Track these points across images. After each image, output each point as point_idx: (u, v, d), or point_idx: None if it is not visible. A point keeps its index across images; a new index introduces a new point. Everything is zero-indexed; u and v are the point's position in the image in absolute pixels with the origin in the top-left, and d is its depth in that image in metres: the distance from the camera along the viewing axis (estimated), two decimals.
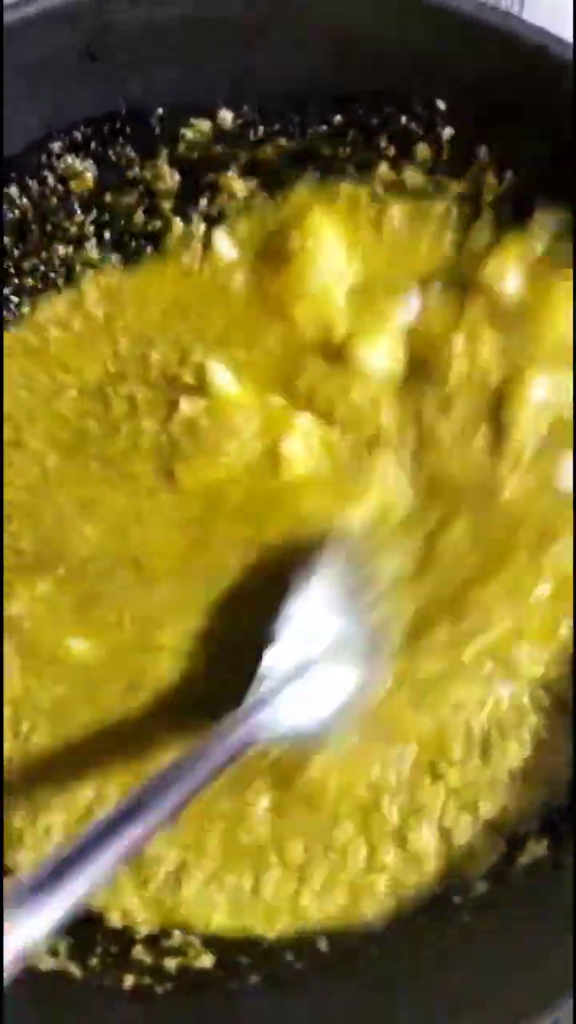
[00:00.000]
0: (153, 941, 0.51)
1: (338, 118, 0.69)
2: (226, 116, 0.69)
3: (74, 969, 0.49)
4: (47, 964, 0.49)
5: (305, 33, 0.65)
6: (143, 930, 0.53)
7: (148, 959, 0.51)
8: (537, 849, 0.53)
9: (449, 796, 0.55)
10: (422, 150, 0.68)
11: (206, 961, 0.51)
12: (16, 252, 0.71)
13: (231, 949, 0.52)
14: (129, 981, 0.49)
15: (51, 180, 0.70)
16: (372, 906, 0.53)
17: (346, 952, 0.51)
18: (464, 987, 0.48)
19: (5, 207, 0.70)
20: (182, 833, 0.53)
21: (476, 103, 0.64)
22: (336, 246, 0.68)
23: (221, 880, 0.53)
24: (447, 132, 0.66)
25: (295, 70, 0.67)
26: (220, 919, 0.53)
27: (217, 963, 0.51)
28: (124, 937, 0.52)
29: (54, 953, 0.50)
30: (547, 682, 0.57)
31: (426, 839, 0.54)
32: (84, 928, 0.52)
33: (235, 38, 0.66)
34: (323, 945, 0.51)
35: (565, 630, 0.56)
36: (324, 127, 0.69)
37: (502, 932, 0.51)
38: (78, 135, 0.69)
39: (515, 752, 0.56)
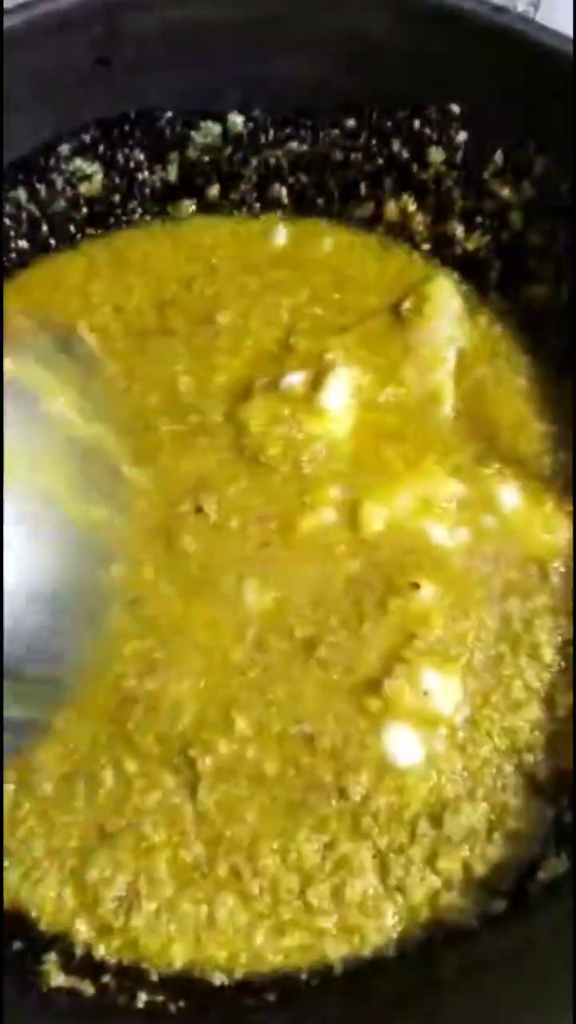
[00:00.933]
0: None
1: (351, 122, 0.68)
2: (236, 120, 0.69)
3: (86, 987, 0.48)
4: (58, 980, 0.48)
5: (318, 38, 0.65)
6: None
7: (162, 981, 0.49)
8: (557, 865, 0.52)
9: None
10: (435, 153, 0.67)
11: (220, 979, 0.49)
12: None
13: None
14: (142, 999, 0.48)
15: (59, 183, 0.69)
16: (381, 932, 0.51)
17: (361, 973, 0.50)
18: (481, 1009, 0.47)
19: (11, 209, 0.69)
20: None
21: (491, 107, 0.64)
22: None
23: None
24: (461, 136, 0.66)
25: (307, 75, 0.67)
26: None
27: (232, 982, 0.49)
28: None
29: (65, 970, 0.49)
30: None
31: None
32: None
33: (246, 43, 0.66)
34: (338, 967, 0.49)
35: None
36: (336, 131, 0.69)
37: (521, 951, 0.50)
38: (87, 138, 0.69)
39: None
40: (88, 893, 0.52)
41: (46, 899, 0.52)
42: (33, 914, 0.52)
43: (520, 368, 0.67)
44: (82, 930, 0.51)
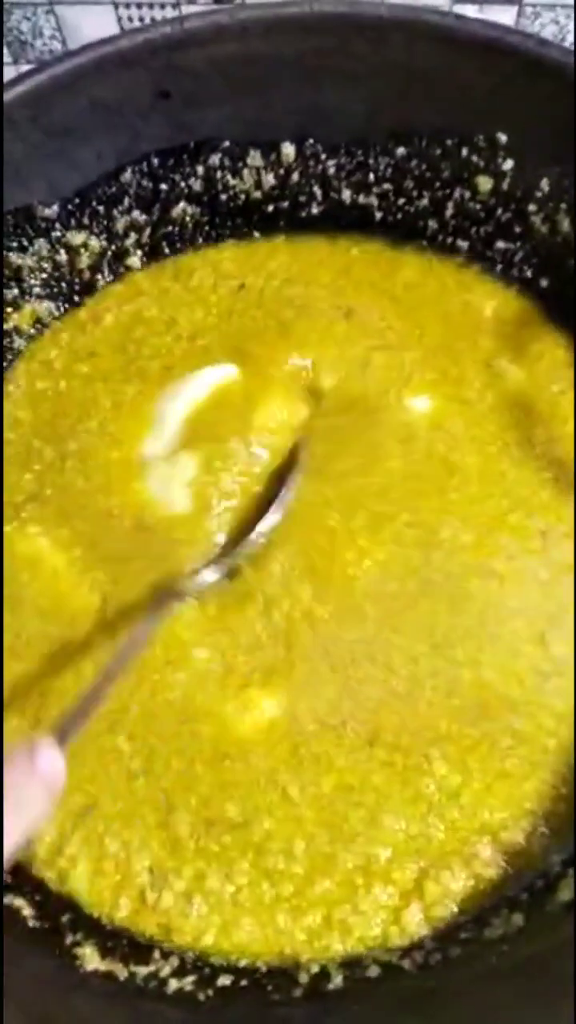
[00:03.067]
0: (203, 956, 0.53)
1: (401, 150, 0.70)
2: (289, 151, 0.72)
3: (120, 971, 0.51)
4: (94, 963, 0.51)
5: (366, 70, 0.68)
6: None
7: (193, 966, 0.52)
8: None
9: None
10: (483, 182, 0.69)
11: (252, 972, 0.52)
12: None
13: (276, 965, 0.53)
14: (172, 986, 0.51)
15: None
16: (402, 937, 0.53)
17: (389, 973, 0.52)
18: (503, 1011, 0.48)
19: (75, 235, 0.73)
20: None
21: (538, 136, 0.65)
22: None
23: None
24: (508, 164, 0.67)
25: (357, 105, 0.69)
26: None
27: (265, 973, 0.52)
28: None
29: (102, 955, 0.52)
30: None
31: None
32: (132, 937, 0.54)
33: (298, 75, 0.69)
34: (372, 966, 0.51)
35: None
36: (387, 159, 0.71)
37: (536, 961, 0.51)
38: (147, 167, 0.72)
39: None
40: (121, 868, 0.55)
41: (87, 877, 0.55)
42: (77, 892, 0.55)
43: None
44: (123, 905, 0.54)
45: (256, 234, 0.77)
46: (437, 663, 0.59)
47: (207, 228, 0.76)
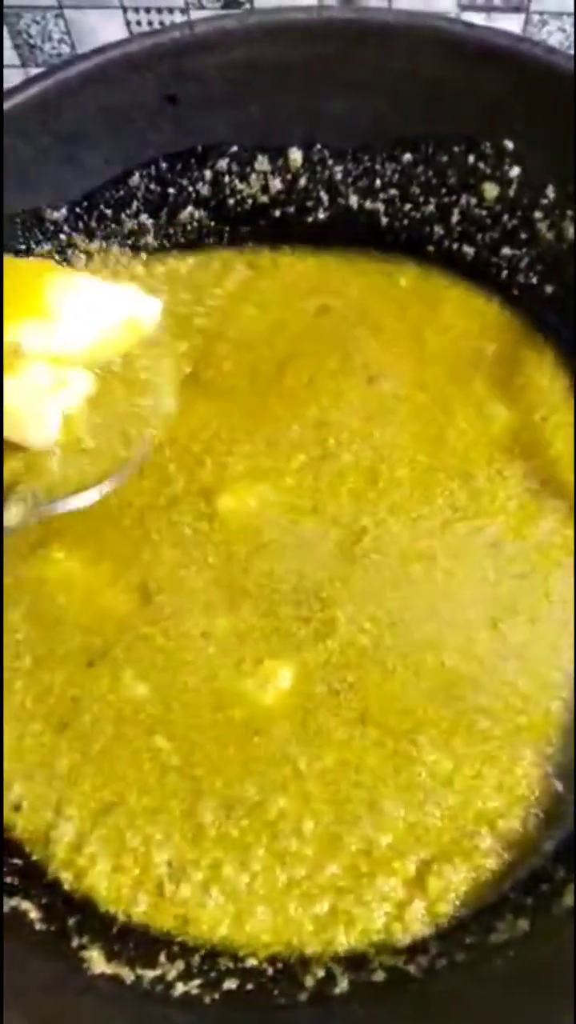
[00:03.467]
0: (211, 955, 0.54)
1: (407, 156, 0.70)
2: (297, 156, 0.72)
3: (127, 974, 0.51)
4: (101, 967, 0.52)
5: (372, 76, 0.68)
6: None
7: (199, 969, 0.53)
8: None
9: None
10: (490, 189, 0.69)
11: (258, 975, 0.53)
12: None
13: (285, 964, 0.53)
14: (179, 989, 0.51)
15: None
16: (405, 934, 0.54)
17: (394, 977, 0.52)
18: (508, 1017, 0.49)
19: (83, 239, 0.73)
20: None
21: (545, 143, 0.65)
22: None
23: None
24: (515, 171, 0.68)
25: (364, 111, 0.70)
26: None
27: (271, 976, 0.52)
28: (181, 948, 0.54)
29: (109, 958, 0.52)
30: None
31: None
32: (140, 938, 0.54)
33: (305, 81, 0.69)
34: (377, 970, 0.52)
35: None
36: (394, 165, 0.71)
37: (542, 967, 0.51)
38: (154, 171, 0.72)
39: None
40: (141, 862, 0.56)
41: (106, 874, 0.56)
42: (94, 890, 0.56)
43: None
44: (141, 900, 0.55)
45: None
46: (400, 643, 0.61)
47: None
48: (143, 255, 0.76)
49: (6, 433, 0.55)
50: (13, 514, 0.56)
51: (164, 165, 0.72)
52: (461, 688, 0.59)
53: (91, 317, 0.59)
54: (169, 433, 0.66)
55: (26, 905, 0.54)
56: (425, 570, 0.63)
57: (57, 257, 0.72)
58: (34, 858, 0.57)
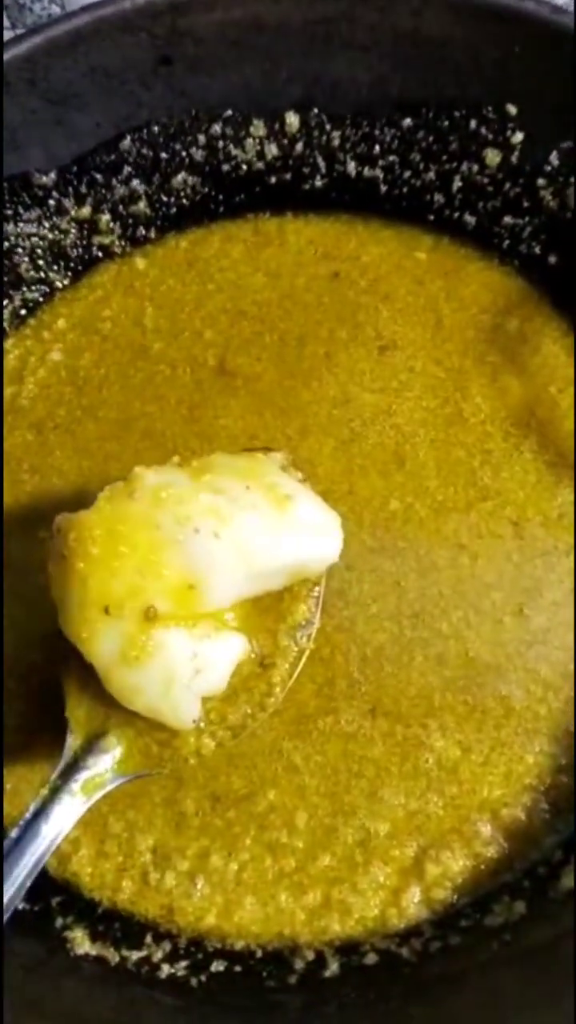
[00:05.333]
0: (196, 940, 0.52)
1: (408, 121, 0.68)
2: (293, 120, 0.70)
3: (111, 955, 0.50)
4: (84, 947, 0.50)
5: (375, 38, 0.66)
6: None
7: (186, 951, 0.51)
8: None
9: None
10: (492, 155, 0.67)
11: (246, 958, 0.51)
12: None
13: (273, 949, 0.52)
14: (165, 971, 0.49)
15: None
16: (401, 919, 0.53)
17: (387, 961, 0.51)
18: (495, 1006, 0.47)
19: (73, 205, 0.71)
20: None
21: (549, 107, 0.63)
22: None
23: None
24: (518, 137, 0.66)
25: (364, 74, 0.68)
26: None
27: (259, 959, 0.51)
28: (165, 932, 0.53)
29: (93, 939, 0.51)
30: None
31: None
32: (124, 921, 0.53)
33: (305, 43, 0.67)
34: (370, 954, 0.51)
35: None
36: (393, 131, 0.69)
37: (538, 950, 0.50)
38: (147, 135, 0.70)
39: None
40: (124, 849, 0.55)
41: (89, 860, 0.55)
42: (77, 875, 0.55)
43: None
44: (125, 887, 0.54)
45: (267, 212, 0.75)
46: (423, 634, 0.59)
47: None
48: (143, 247, 0.74)
49: (135, 708, 0.46)
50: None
51: (157, 129, 0.70)
52: (484, 676, 0.58)
53: (249, 560, 0.46)
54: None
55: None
56: (451, 556, 0.61)
57: (46, 225, 0.70)
58: None
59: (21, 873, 0.44)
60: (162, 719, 0.46)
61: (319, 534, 0.49)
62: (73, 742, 0.48)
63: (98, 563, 0.44)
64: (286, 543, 0.47)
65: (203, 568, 0.45)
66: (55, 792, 0.46)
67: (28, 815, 0.45)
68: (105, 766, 0.47)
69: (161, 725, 0.47)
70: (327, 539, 0.49)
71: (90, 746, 0.48)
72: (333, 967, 0.51)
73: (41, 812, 0.45)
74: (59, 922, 0.52)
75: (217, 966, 0.51)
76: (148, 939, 0.52)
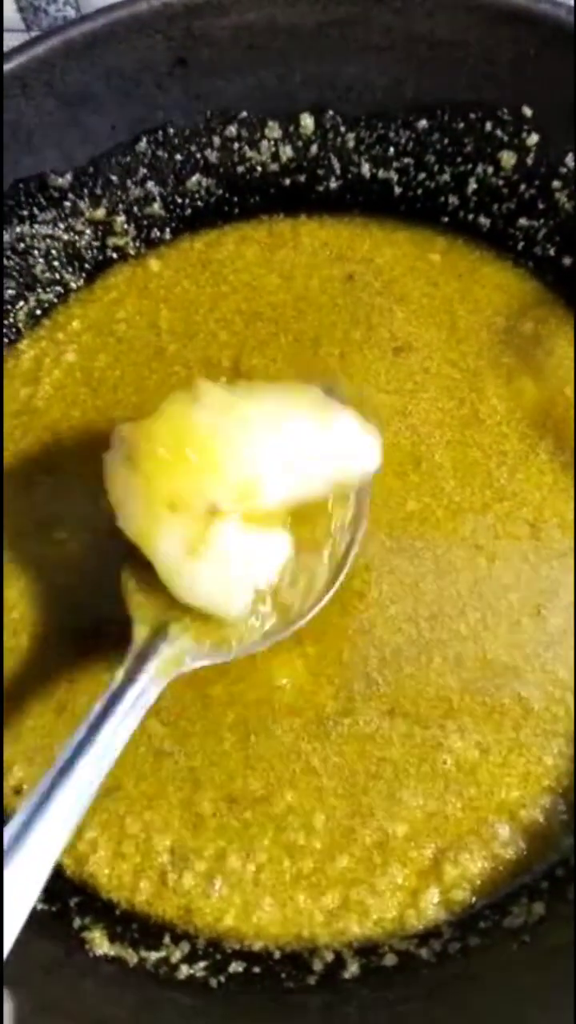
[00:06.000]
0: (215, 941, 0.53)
1: (423, 123, 0.68)
2: (308, 122, 0.70)
3: (130, 956, 0.50)
4: (103, 948, 0.50)
5: (389, 40, 0.66)
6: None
7: (204, 952, 0.51)
8: None
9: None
10: (507, 157, 0.67)
11: (265, 958, 0.51)
12: None
13: (291, 950, 0.52)
14: (184, 972, 0.49)
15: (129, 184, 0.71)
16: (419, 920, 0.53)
17: (406, 962, 0.51)
18: (515, 1006, 0.47)
19: (88, 206, 0.71)
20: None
21: (565, 109, 0.64)
22: None
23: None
24: (533, 139, 0.66)
25: (379, 77, 0.68)
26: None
27: (278, 959, 0.51)
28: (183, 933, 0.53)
29: (112, 940, 0.51)
30: None
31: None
32: (142, 922, 0.53)
33: (320, 45, 0.67)
34: (388, 955, 0.51)
35: None
36: (408, 132, 0.69)
37: (558, 952, 0.50)
38: (162, 136, 0.70)
39: None
40: (141, 849, 0.55)
41: (106, 861, 0.55)
42: (95, 876, 0.54)
43: None
44: (143, 888, 0.54)
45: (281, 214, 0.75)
46: (441, 635, 0.59)
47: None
48: (158, 248, 0.74)
49: (191, 600, 0.50)
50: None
51: (172, 131, 0.70)
52: (502, 677, 0.58)
53: (297, 465, 0.51)
54: None
55: None
56: (468, 557, 0.61)
57: (61, 226, 0.70)
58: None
59: (95, 761, 0.44)
60: (215, 609, 0.50)
61: (360, 444, 0.54)
62: (139, 634, 0.50)
63: (166, 464, 0.48)
64: (332, 447, 0.52)
65: (259, 468, 0.49)
66: (131, 675, 0.48)
67: (106, 695, 0.46)
68: (177, 650, 0.50)
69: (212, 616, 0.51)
70: (367, 449, 0.54)
71: (156, 636, 0.50)
72: (352, 968, 0.51)
73: (119, 692, 0.47)
74: (77, 923, 0.51)
75: (236, 967, 0.51)
76: (166, 940, 0.52)
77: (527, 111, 0.65)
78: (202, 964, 0.51)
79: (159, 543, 0.49)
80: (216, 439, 0.48)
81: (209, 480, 0.48)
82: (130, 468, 0.49)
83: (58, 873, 0.54)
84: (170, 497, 0.48)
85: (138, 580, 0.52)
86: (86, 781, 0.43)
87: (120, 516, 0.50)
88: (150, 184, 0.71)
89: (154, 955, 0.51)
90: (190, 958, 0.51)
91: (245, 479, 0.49)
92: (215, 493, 0.48)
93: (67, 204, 0.70)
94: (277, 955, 0.52)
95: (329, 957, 0.52)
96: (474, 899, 0.53)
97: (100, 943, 0.51)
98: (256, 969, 0.51)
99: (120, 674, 0.48)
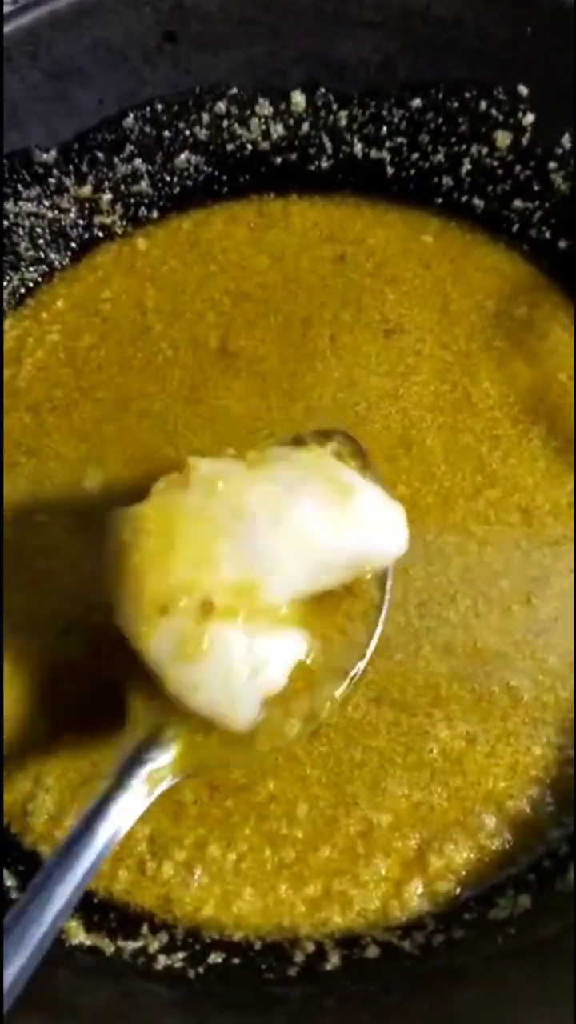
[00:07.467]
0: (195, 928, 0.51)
1: (416, 102, 0.67)
2: (299, 100, 0.69)
3: (106, 946, 0.48)
4: (79, 937, 0.49)
5: (384, 16, 0.65)
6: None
7: (183, 942, 0.50)
8: None
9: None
10: (502, 137, 0.66)
11: (245, 949, 0.50)
12: None
13: (272, 941, 0.51)
14: (161, 962, 0.48)
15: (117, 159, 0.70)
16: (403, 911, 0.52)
17: (389, 954, 0.50)
18: (499, 1001, 0.46)
19: (73, 183, 0.69)
20: None
21: (562, 88, 0.62)
22: None
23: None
24: (529, 119, 0.65)
25: (373, 54, 0.66)
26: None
27: (258, 951, 0.50)
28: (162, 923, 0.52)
29: (88, 929, 0.50)
30: None
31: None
32: (120, 912, 0.52)
33: (312, 21, 0.66)
34: (371, 946, 0.50)
35: None
36: (402, 111, 0.68)
37: (544, 945, 0.49)
38: (150, 112, 0.69)
39: None
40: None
41: None
42: None
43: None
44: (122, 877, 0.53)
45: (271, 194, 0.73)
46: (430, 622, 0.58)
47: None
48: (145, 227, 0.72)
49: (189, 707, 0.45)
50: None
51: (160, 106, 0.68)
52: (491, 665, 0.57)
53: (309, 555, 0.45)
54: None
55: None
56: (459, 543, 0.60)
57: (46, 204, 0.68)
58: (12, 830, 0.54)
59: (79, 871, 0.41)
60: (220, 719, 0.45)
61: (382, 527, 0.48)
62: (132, 737, 0.47)
63: (154, 558, 0.44)
64: (349, 535, 0.46)
65: (260, 561, 0.44)
66: (119, 783, 0.44)
67: (91, 806, 0.43)
68: (166, 760, 0.46)
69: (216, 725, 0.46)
70: (391, 532, 0.48)
71: (150, 741, 0.46)
72: (334, 960, 0.50)
73: (103, 804, 0.43)
74: None
75: (215, 958, 0.50)
76: (144, 929, 0.51)
77: (523, 90, 0.64)
78: (181, 955, 0.50)
79: (152, 645, 0.44)
80: (209, 528, 0.44)
81: (202, 575, 0.43)
82: (120, 562, 0.45)
83: (34, 860, 0.53)
84: (160, 598, 0.43)
85: (137, 676, 0.47)
86: (63, 899, 0.41)
87: (115, 613, 0.46)
88: (137, 161, 0.70)
89: (131, 945, 0.50)
90: (168, 948, 0.50)
91: (244, 574, 0.44)
92: (209, 590, 0.43)
93: (52, 181, 0.68)
94: (257, 946, 0.51)
95: (310, 948, 0.51)
96: (459, 891, 0.52)
97: (76, 932, 0.50)
98: (236, 960, 0.50)
99: (108, 783, 0.45)
